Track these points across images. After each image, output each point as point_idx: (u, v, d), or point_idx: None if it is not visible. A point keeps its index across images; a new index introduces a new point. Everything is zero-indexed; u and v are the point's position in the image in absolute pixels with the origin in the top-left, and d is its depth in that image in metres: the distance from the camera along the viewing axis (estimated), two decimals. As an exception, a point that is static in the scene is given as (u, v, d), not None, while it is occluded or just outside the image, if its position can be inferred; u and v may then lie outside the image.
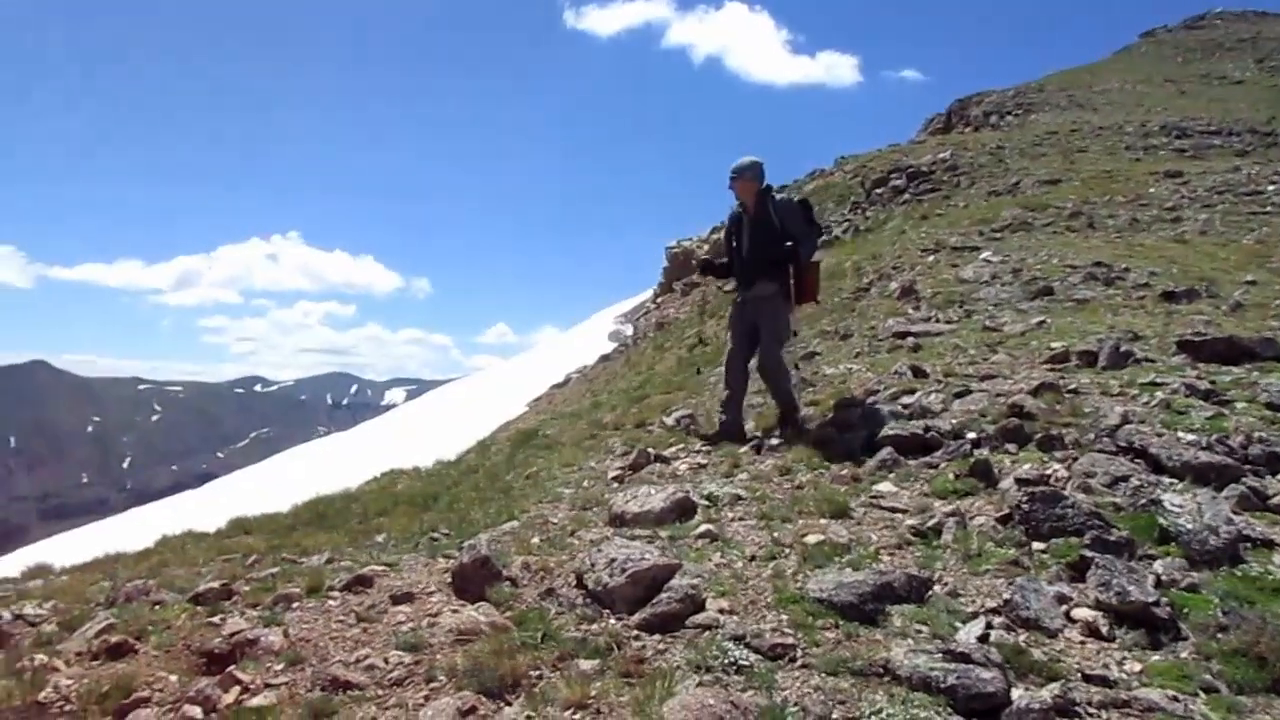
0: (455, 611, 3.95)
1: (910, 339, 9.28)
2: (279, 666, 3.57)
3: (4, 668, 3.72)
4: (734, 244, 7.31)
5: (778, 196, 7.11)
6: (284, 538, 6.15)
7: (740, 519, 4.99)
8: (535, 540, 4.89)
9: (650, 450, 6.91)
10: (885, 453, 5.78)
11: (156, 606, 4.37)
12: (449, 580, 4.33)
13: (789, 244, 6.94)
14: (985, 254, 13.24)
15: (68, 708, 3.32)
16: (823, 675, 3.15)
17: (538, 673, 3.35)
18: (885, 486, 5.31)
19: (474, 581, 4.19)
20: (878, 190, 26.03)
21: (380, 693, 3.35)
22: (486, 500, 6.44)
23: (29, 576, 5.67)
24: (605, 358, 26.54)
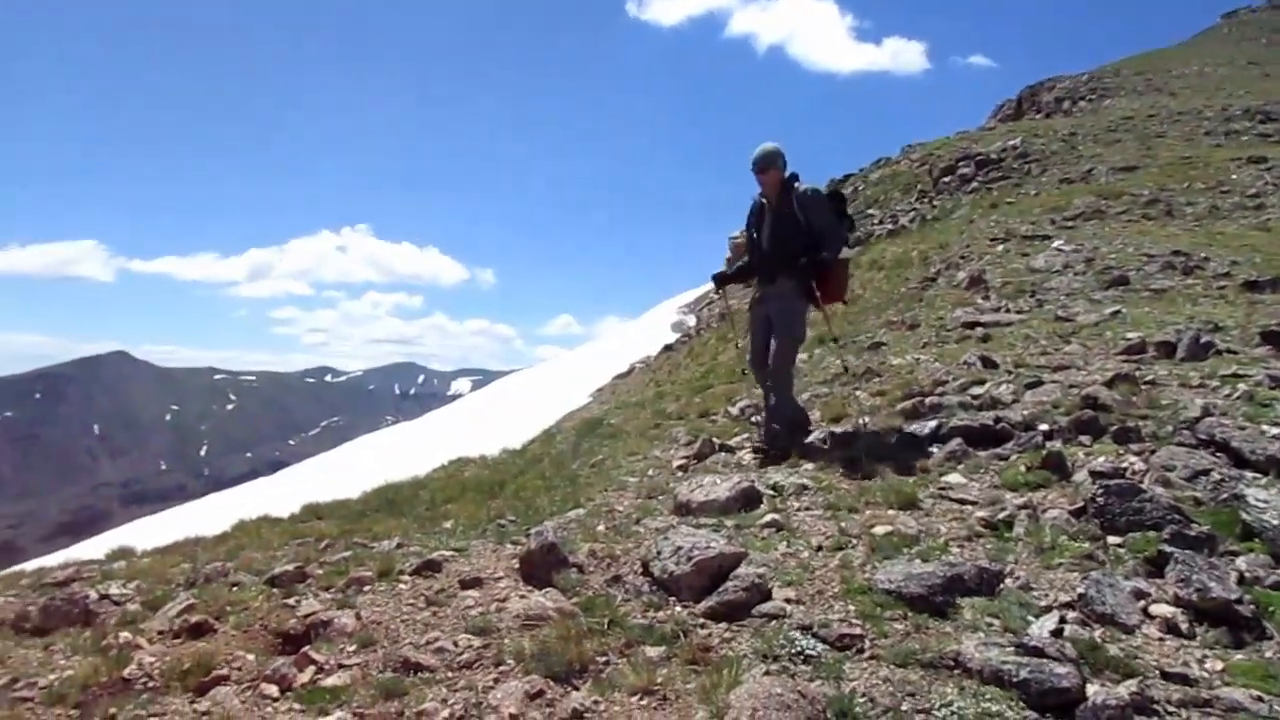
0: (523, 597, 4.00)
1: (979, 329, 9.12)
2: (352, 648, 3.65)
3: (91, 645, 3.86)
4: (755, 237, 6.82)
5: (802, 187, 6.53)
6: (355, 523, 6.28)
7: (806, 509, 4.96)
8: (601, 528, 4.92)
9: (714, 440, 6.91)
10: (954, 444, 5.69)
11: (234, 588, 4.49)
12: (516, 566, 4.38)
13: (813, 239, 6.42)
14: (1057, 243, 12.95)
15: (151, 684, 3.44)
16: (891, 667, 3.12)
17: (604, 659, 3.38)
18: (954, 478, 5.23)
19: (541, 568, 4.23)
20: (945, 179, 25.58)
21: (450, 675, 3.40)
22: (552, 488, 6.50)
23: (113, 558, 5.87)
24: (668, 348, 26.52)
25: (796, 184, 6.52)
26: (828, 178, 35.01)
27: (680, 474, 6.28)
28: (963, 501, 4.83)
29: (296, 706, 3.23)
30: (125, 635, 3.85)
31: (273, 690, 3.34)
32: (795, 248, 6.43)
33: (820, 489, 5.28)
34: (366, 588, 4.31)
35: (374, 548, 5.08)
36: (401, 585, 4.32)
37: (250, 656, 3.60)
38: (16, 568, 8.94)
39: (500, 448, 10.69)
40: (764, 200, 6.69)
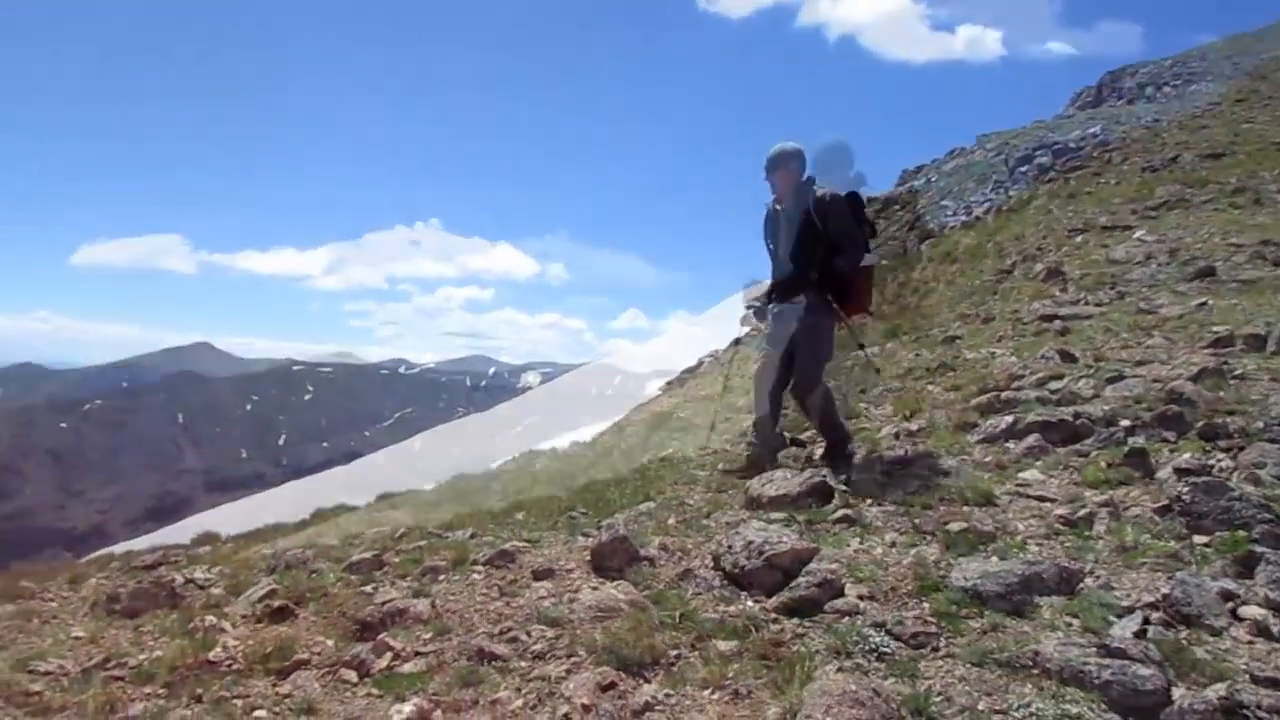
0: (594, 589, 4.02)
1: (1057, 322, 8.92)
2: (427, 635, 3.71)
3: (178, 627, 4.00)
4: (771, 247, 6.22)
5: (820, 190, 5.90)
6: (428, 513, 6.40)
7: (878, 504, 4.91)
8: (672, 521, 4.93)
9: (786, 434, 6.87)
10: (1031, 439, 5.58)
11: (314, 574, 4.61)
12: (588, 558, 4.41)
13: (832, 247, 5.82)
14: (1139, 233, 12.59)
15: (235, 666, 3.54)
16: (968, 666, 3.08)
17: (676, 652, 3.39)
18: (1032, 474, 5.13)
19: (612, 560, 4.25)
20: (1021, 168, 25.01)
21: (523, 664, 3.44)
22: (623, 481, 6.53)
23: (197, 544, 6.07)
24: (737, 342, 26.44)
25: (814, 187, 5.94)
26: (900, 169, 34.43)
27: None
28: (1041, 499, 4.73)
29: (374, 692, 3.31)
30: (210, 619, 3.97)
31: (351, 675, 3.43)
32: (814, 257, 5.86)
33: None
34: (441, 577, 4.39)
35: (448, 537, 5.15)
36: (475, 575, 4.39)
37: (330, 642, 3.69)
38: (105, 551, 9.29)
39: (570, 440, 10.77)
40: (778, 206, 6.14)
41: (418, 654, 3.55)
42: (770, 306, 6.22)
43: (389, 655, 3.52)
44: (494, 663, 3.46)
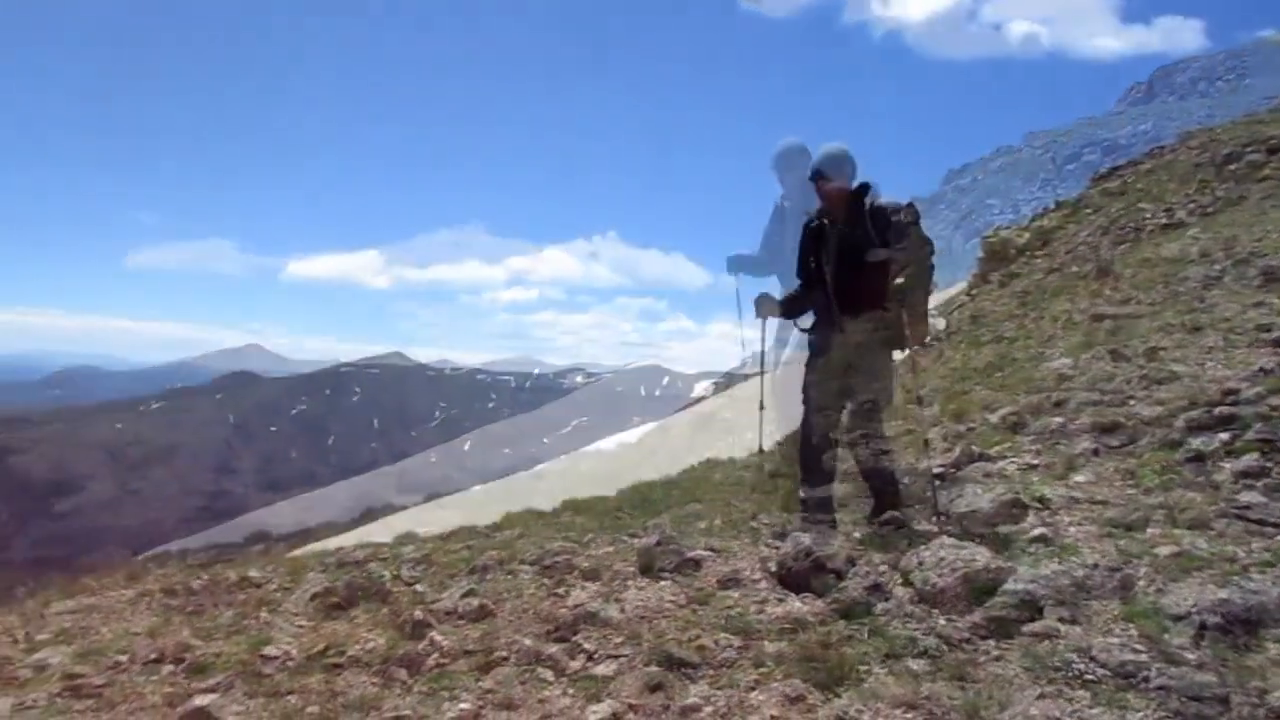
0: (780, 600, 4.04)
1: (1108, 321, 8.39)
2: (618, 639, 3.82)
3: (388, 620, 4.27)
4: (815, 266, 5.40)
5: (879, 201, 5.17)
6: (613, 519, 6.54)
7: (1078, 524, 4.69)
8: (857, 534, 4.88)
9: (974, 448, 6.66)
10: (1250, 459, 5.20)
11: (509, 575, 4.81)
12: (773, 569, 4.43)
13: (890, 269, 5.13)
14: (1192, 231, 11.62)
15: (442, 660, 3.75)
16: (1183, 699, 2.92)
17: (865, 667, 3.36)
18: (1252, 497, 4.77)
19: (798, 572, 4.25)
20: (1069, 165, 23.40)
21: (711, 672, 3.50)
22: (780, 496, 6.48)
23: (400, 542, 6.41)
24: (782, 345, 25.73)
25: (869, 196, 5.19)
26: (945, 168, 32.38)
27: (937, 483, 6.09)
28: (1263, 523, 4.41)
29: (570, 691, 3.44)
30: (418, 614, 4.22)
31: (548, 674, 3.57)
32: (873, 282, 5.13)
33: (1094, 504, 4.97)
34: (629, 582, 4.50)
35: (634, 543, 5.28)
36: (662, 581, 4.48)
37: (527, 641, 3.85)
38: (308, 548, 9.97)
39: (748, 449, 10.75)
40: (824, 220, 5.36)
41: (609, 656, 3.66)
42: (810, 335, 5.53)
43: (583, 656, 3.66)
44: (683, 669, 3.53)
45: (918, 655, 3.39)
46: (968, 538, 4.47)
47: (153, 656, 3.90)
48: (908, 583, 4.03)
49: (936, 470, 6.33)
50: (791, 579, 4.25)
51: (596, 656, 3.66)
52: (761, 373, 6.19)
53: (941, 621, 3.70)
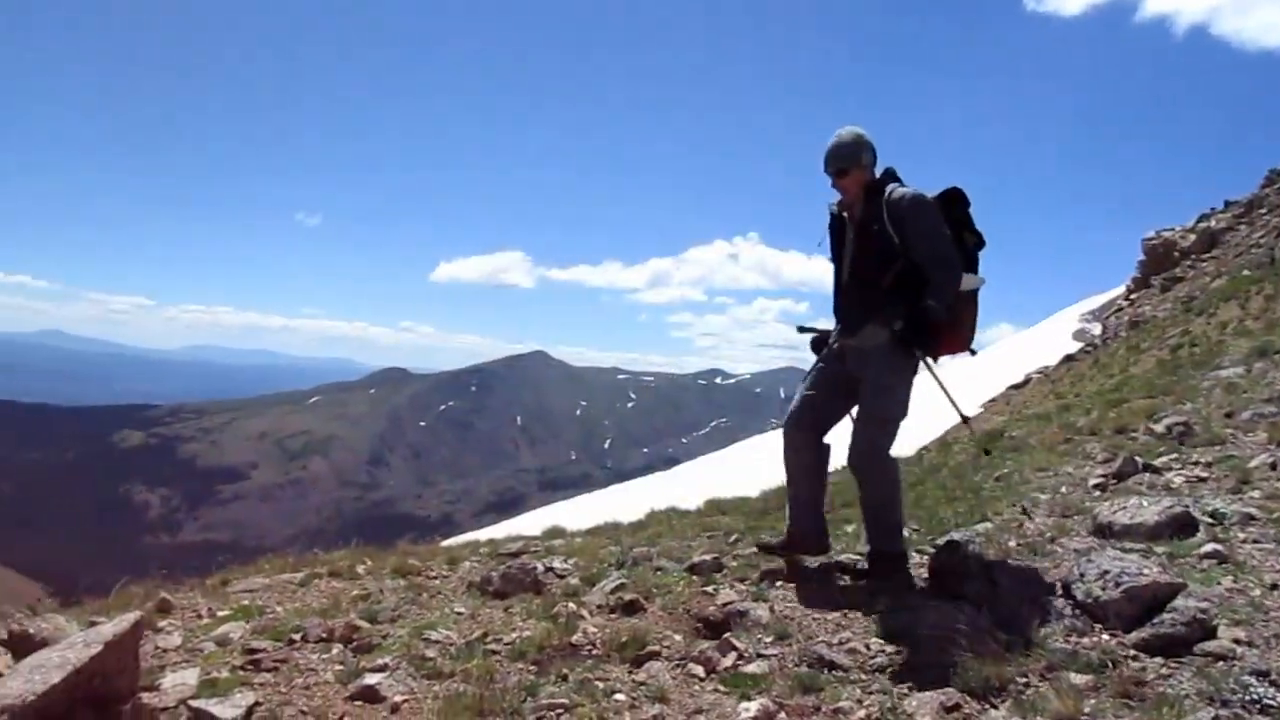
0: (934, 606, 3.98)
1: None
2: (769, 639, 3.84)
3: (542, 611, 4.41)
4: (835, 265, 4.83)
5: (898, 192, 4.46)
6: (758, 519, 6.56)
7: (1254, 541, 4.43)
8: (1013, 544, 4.74)
9: (1137, 458, 6.36)
10: None
11: (658, 572, 4.90)
12: (925, 576, 4.36)
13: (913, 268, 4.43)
14: None
15: (595, 652, 3.86)
16: (1374, 733, 2.74)
17: (1024, 679, 3.28)
18: None
19: (950, 579, 4.18)
20: None
21: (863, 677, 3.49)
22: (954, 499, 6.35)
23: (549, 536, 6.61)
24: (1069, 358, 24.60)
25: (890, 187, 4.53)
26: (1266, 168, 30.01)
27: (1098, 493, 5.86)
28: None
29: (721, 689, 3.48)
30: (570, 606, 4.35)
31: (699, 671, 3.63)
32: (888, 281, 4.49)
33: (1272, 520, 4.69)
34: (779, 583, 4.52)
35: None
36: (812, 583, 4.48)
37: (677, 637, 3.92)
38: (456, 539, 10.34)
39: (893, 455, 10.59)
40: (845, 213, 4.76)
41: (760, 656, 3.69)
42: (831, 341, 4.89)
43: (733, 655, 3.69)
44: (834, 671, 3.53)
45: (1080, 670, 3.28)
46: (1130, 551, 4.29)
47: (323, 635, 4.13)
48: (1068, 594, 3.90)
49: (1096, 481, 6.09)
50: (946, 586, 4.18)
51: (747, 655, 3.69)
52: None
53: (1105, 636, 3.56)
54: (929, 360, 4.66)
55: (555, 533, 6.64)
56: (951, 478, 7.53)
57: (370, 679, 3.55)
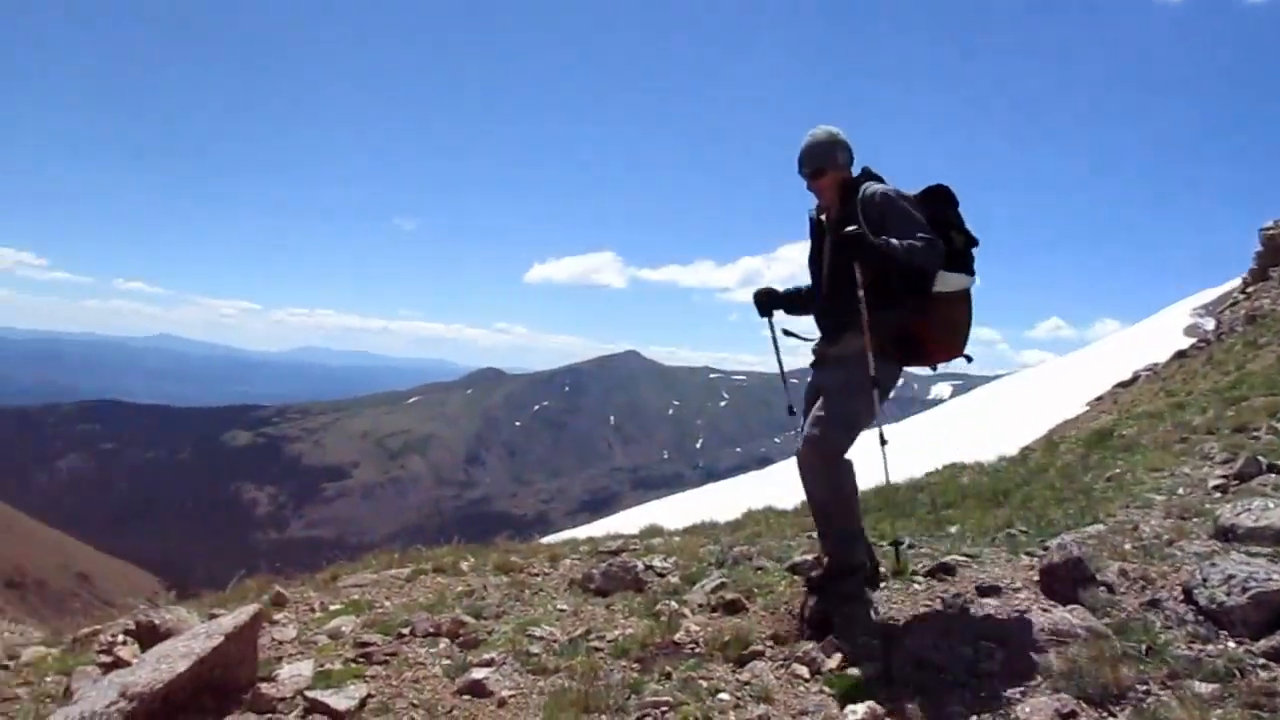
0: (1045, 611, 3.86)
1: None
2: (874, 641, 3.78)
3: (644, 609, 4.44)
4: (815, 269, 4.57)
5: (871, 189, 4.21)
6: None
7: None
8: (1128, 546, 4.57)
9: (1260, 458, 6.07)
10: None
11: (758, 571, 4.88)
12: (1035, 579, 4.23)
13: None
14: None
15: (697, 650, 3.86)
16: None
17: (1144, 688, 3.16)
18: None
19: (1064, 583, 4.04)
20: None
21: (972, 680, 3.41)
22: (1064, 500, 6.15)
23: (647, 535, 6.63)
24: (1181, 354, 23.59)
25: (864, 186, 4.25)
26: None
27: (1218, 494, 5.61)
28: None
29: (826, 690, 3.45)
30: (672, 604, 4.36)
31: (803, 671, 3.60)
32: (866, 285, 4.15)
33: None
34: (882, 584, 4.45)
35: (883, 546, 5.19)
36: (916, 585, 4.40)
37: (781, 637, 3.89)
38: (555, 536, 10.45)
39: (996, 454, 10.31)
40: (822, 217, 4.51)
41: (865, 658, 3.64)
42: (813, 350, 4.64)
43: (839, 656, 3.65)
44: (942, 675, 3.46)
45: (1205, 678, 3.15)
46: (1257, 556, 4.09)
47: (431, 630, 4.22)
48: (1190, 600, 3.75)
49: (1215, 482, 5.84)
50: (1057, 589, 4.05)
51: (852, 657, 3.65)
52: (784, 381, 5.05)
53: (1230, 644, 3.41)
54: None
55: (653, 531, 6.66)
56: (1060, 478, 7.30)
57: (477, 673, 3.62)
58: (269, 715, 3.34)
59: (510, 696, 3.49)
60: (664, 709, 3.30)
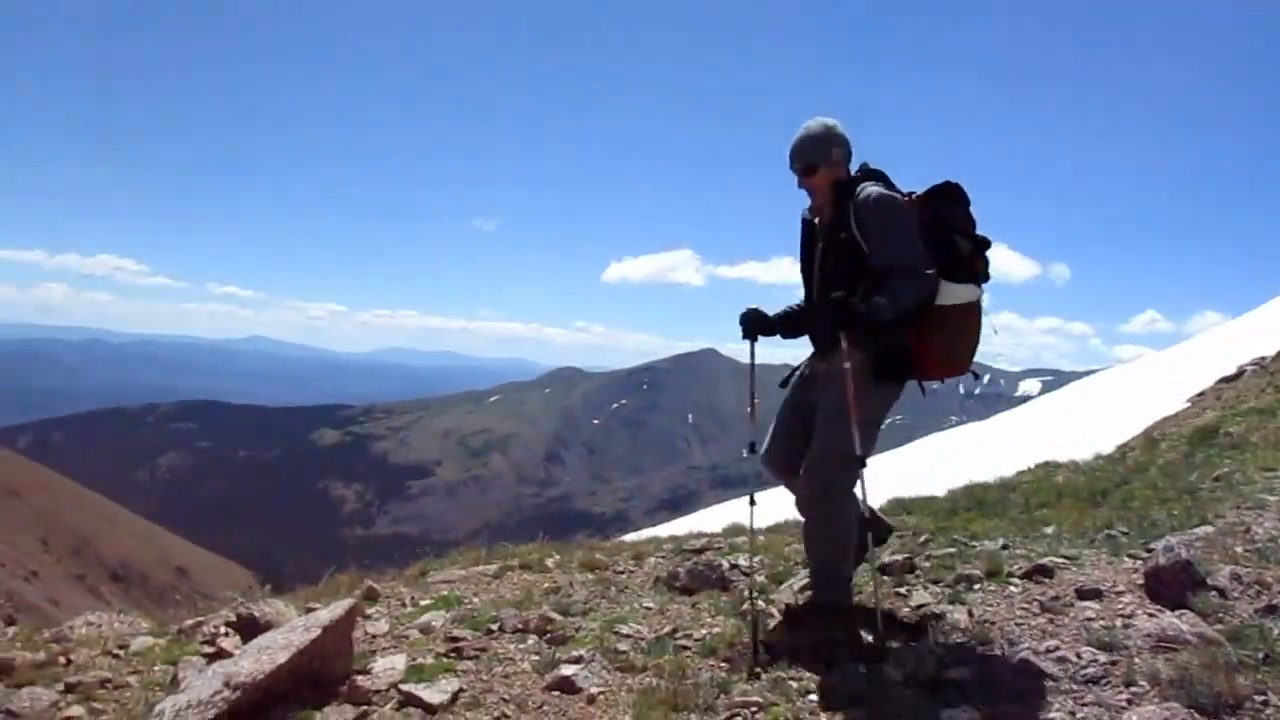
0: (1151, 616, 3.71)
1: None
2: (970, 645, 3.69)
3: (730, 608, 4.40)
4: (806, 275, 4.20)
5: (866, 191, 3.82)
6: (947, 520, 6.31)
7: None
8: (1240, 549, 4.37)
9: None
10: None
11: (847, 572, 4.78)
12: (1140, 582, 4.07)
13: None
14: None
15: (785, 650, 3.80)
16: None
17: (1262, 698, 3.01)
18: None
19: (1171, 586, 3.88)
20: None
21: (1074, 687, 3.28)
22: (1167, 500, 5.90)
23: (729, 534, 6.57)
24: (1292, 350, 22.56)
25: (860, 187, 3.86)
26: None
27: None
28: None
29: (921, 692, 3.36)
30: (759, 604, 4.31)
31: (896, 675, 3.50)
32: (860, 296, 3.81)
33: None
34: (976, 586, 4.33)
35: (975, 546, 5.07)
36: (1012, 588, 4.26)
37: (870, 638, 3.81)
38: (637, 534, 10.43)
39: (1092, 453, 9.97)
40: (816, 219, 4.13)
41: (961, 662, 3.54)
42: (800, 368, 4.33)
43: (932, 659, 3.56)
44: (1043, 680, 3.34)
45: (1329, 689, 2.99)
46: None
47: (519, 626, 4.24)
48: (1311, 606, 3.57)
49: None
50: (1164, 594, 3.88)
51: (947, 660, 3.55)
52: (752, 407, 4.60)
53: (1357, 652, 3.23)
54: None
55: (736, 530, 6.59)
56: (1162, 477, 7.02)
57: (566, 670, 3.62)
58: (364, 707, 3.39)
59: (599, 693, 3.48)
60: (753, 709, 3.25)
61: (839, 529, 4.01)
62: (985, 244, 3.94)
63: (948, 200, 3.90)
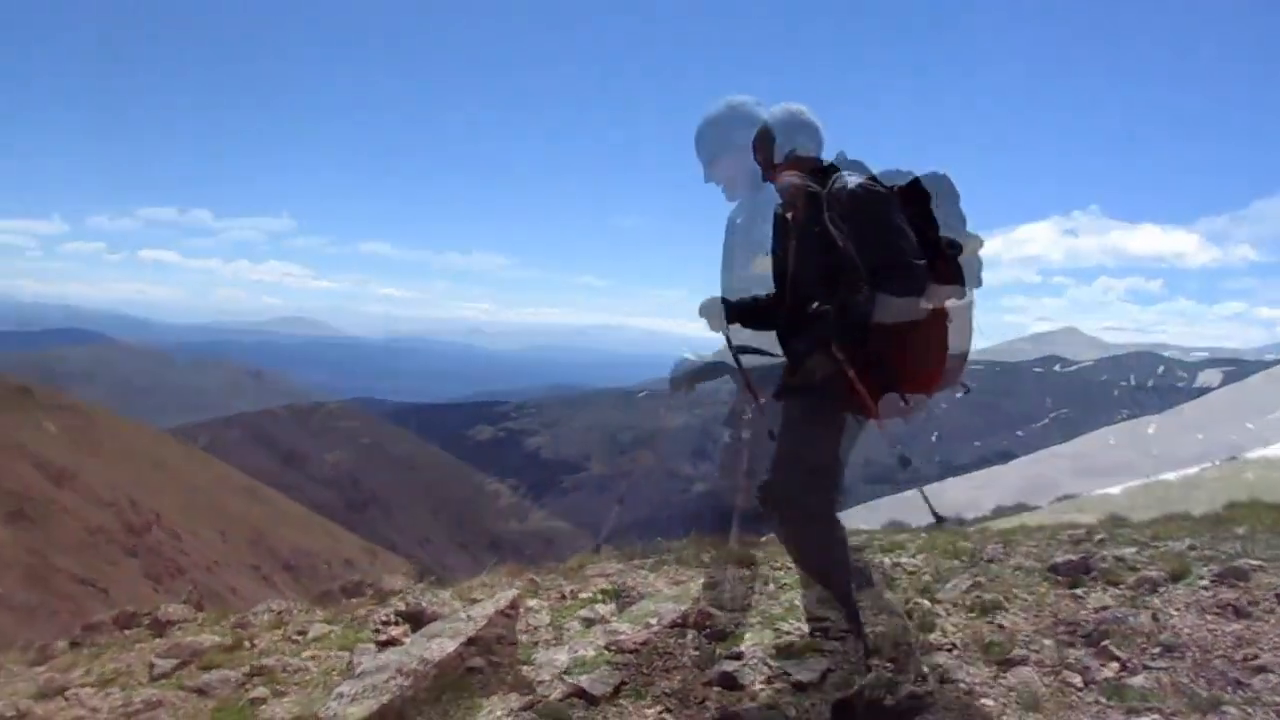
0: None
1: None
2: (1155, 650, 3.48)
3: (895, 608, 4.28)
4: (778, 273, 3.69)
5: (840, 182, 3.31)
6: (1123, 518, 5.99)
7: None
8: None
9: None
10: None
11: (1016, 571, 4.60)
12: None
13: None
14: None
15: (955, 651, 3.68)
16: None
17: None
18: None
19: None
20: None
21: (1276, 700, 3.05)
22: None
23: (891, 531, 6.43)
24: None
25: (834, 179, 3.36)
26: None
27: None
28: None
29: (1102, 699, 3.19)
30: (924, 603, 4.19)
31: (1075, 680, 3.35)
32: (829, 292, 3.28)
33: None
34: (1159, 589, 4.08)
35: (1158, 547, 4.78)
36: (1201, 591, 4.00)
37: (1047, 642, 3.65)
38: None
39: (1284, 449, 9.28)
40: (788, 215, 3.60)
41: (1146, 668, 3.35)
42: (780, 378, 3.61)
43: (1115, 665, 3.38)
44: (1238, 691, 3.13)
45: None
46: None
47: (678, 621, 4.26)
48: None
49: None
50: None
51: (1131, 666, 3.36)
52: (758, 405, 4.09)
53: None
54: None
55: (897, 527, 6.43)
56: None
57: (727, 666, 3.61)
58: (530, 696, 3.47)
59: (761, 690, 3.45)
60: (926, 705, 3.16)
61: (835, 548, 3.57)
62: (956, 247, 3.42)
63: (914, 197, 3.39)
